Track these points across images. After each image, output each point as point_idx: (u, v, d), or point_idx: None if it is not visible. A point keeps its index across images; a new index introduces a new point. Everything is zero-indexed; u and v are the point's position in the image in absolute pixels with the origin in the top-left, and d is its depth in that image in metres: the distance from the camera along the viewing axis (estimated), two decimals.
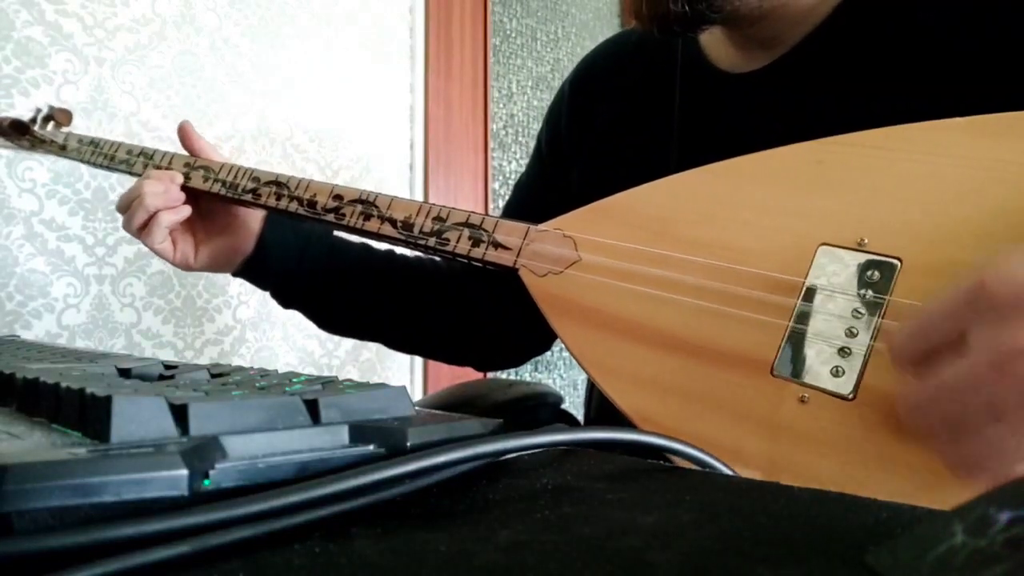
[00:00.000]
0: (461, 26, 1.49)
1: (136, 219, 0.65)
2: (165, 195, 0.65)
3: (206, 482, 0.20)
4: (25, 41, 0.92)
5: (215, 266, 0.71)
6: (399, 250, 0.77)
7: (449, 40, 1.46)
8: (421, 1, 1.41)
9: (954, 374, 0.29)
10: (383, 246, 0.72)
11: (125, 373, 0.32)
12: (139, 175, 0.70)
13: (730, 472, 0.28)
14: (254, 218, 0.70)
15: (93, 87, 0.98)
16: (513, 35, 1.69)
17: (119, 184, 1.00)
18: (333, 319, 0.77)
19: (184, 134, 0.70)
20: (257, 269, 0.71)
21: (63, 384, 0.25)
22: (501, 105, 1.64)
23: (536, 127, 1.70)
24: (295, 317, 1.22)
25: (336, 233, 0.74)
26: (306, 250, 0.71)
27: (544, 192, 0.76)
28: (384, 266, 0.76)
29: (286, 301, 0.75)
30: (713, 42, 0.63)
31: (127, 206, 0.66)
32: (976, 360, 0.28)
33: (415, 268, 0.77)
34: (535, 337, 0.78)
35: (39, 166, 0.94)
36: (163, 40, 1.05)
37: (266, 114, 1.16)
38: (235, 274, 0.72)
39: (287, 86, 1.19)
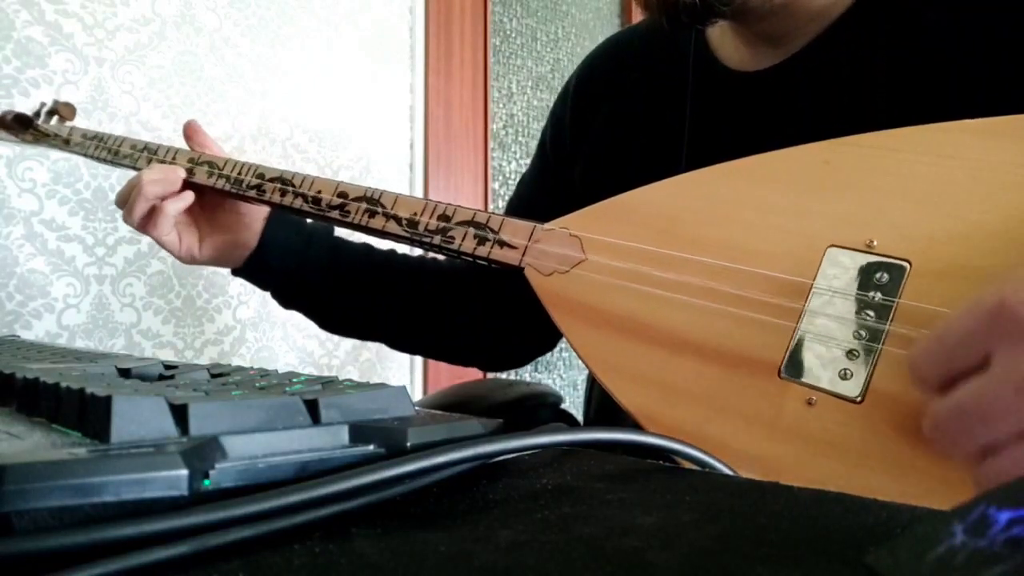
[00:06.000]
0: (461, 26, 1.49)
1: (137, 209, 0.64)
2: (164, 182, 0.64)
3: (206, 482, 0.20)
4: (25, 41, 0.92)
5: (218, 260, 0.71)
6: (401, 249, 0.77)
7: (449, 40, 1.46)
8: (421, 1, 1.41)
9: (978, 395, 0.29)
10: (386, 245, 0.72)
11: (125, 373, 0.32)
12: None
13: (730, 472, 0.28)
14: (257, 215, 0.69)
15: (93, 87, 0.98)
16: (513, 35, 1.69)
17: (119, 183, 1.00)
18: (334, 320, 0.77)
19: (193, 132, 0.70)
20: (258, 268, 0.71)
21: (63, 384, 0.25)
22: (501, 105, 1.64)
23: (536, 127, 1.70)
24: (295, 317, 1.22)
25: (337, 232, 0.74)
26: (308, 250, 0.71)
27: (547, 189, 0.76)
28: (386, 266, 0.75)
29: (286, 301, 0.74)
30: (722, 40, 0.62)
31: (126, 198, 0.66)
32: (1001, 382, 0.28)
33: (418, 267, 0.76)
34: (540, 336, 0.78)
35: (39, 166, 0.94)
36: (163, 40, 1.05)
37: (266, 114, 1.16)
38: (235, 273, 0.72)
39: (287, 86, 1.19)
